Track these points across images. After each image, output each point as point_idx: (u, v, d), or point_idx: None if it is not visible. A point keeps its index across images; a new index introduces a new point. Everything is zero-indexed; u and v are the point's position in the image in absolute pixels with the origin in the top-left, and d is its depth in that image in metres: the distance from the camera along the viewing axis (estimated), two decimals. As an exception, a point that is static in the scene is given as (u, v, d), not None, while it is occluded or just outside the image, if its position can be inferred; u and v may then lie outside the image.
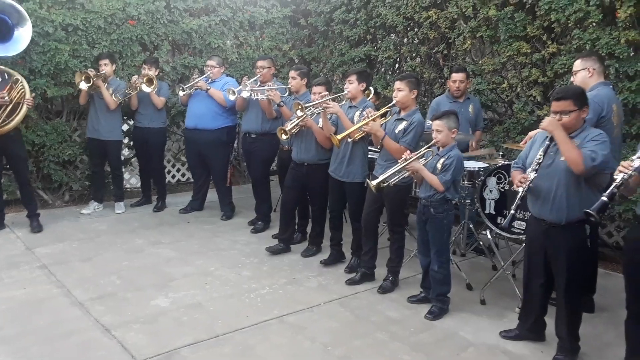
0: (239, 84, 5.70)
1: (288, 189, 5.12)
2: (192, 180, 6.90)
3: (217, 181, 6.35)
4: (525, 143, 3.82)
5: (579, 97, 3.18)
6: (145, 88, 5.90)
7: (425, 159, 3.87)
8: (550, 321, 3.49)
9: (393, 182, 3.97)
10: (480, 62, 5.83)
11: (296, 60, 8.14)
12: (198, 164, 6.34)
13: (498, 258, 4.62)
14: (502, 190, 4.38)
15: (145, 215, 6.26)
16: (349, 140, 4.44)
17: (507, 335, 3.64)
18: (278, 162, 5.93)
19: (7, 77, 5.19)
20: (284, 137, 4.75)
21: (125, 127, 6.72)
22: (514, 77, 5.48)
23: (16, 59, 5.62)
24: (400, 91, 4.11)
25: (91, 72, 5.71)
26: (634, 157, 2.81)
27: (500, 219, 4.36)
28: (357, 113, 4.51)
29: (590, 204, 3.14)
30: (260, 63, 5.66)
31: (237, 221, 6.17)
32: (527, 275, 3.52)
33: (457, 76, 5.23)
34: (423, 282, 4.16)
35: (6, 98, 5.01)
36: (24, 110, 5.13)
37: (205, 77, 5.98)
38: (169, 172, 7.66)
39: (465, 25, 5.82)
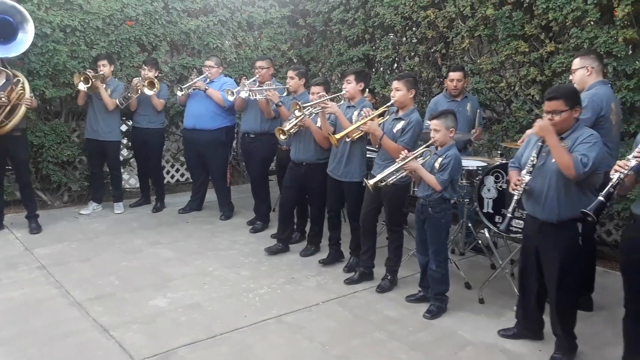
0: (238, 84, 5.71)
1: (286, 189, 5.12)
2: (191, 180, 6.90)
3: (216, 181, 6.36)
4: (523, 142, 3.82)
5: (571, 97, 3.18)
6: (147, 91, 5.90)
7: (423, 159, 3.87)
8: (547, 319, 3.49)
9: (391, 182, 3.98)
10: (478, 61, 5.83)
11: (295, 60, 8.14)
12: (197, 164, 6.34)
13: (496, 257, 4.62)
14: (500, 189, 4.38)
15: (144, 216, 6.27)
16: (347, 140, 4.44)
17: (505, 333, 3.64)
18: (277, 162, 5.93)
19: (12, 78, 5.19)
20: (282, 137, 4.75)
21: (123, 128, 6.72)
22: (512, 76, 5.48)
23: (14, 60, 5.63)
24: (398, 91, 4.11)
25: (90, 73, 5.71)
26: (629, 157, 2.81)
27: (498, 218, 4.36)
28: (356, 113, 4.51)
29: (581, 203, 3.15)
30: (259, 63, 5.66)
31: (236, 221, 6.18)
32: (523, 273, 3.52)
33: (454, 75, 5.23)
34: (421, 281, 4.16)
35: (4, 99, 5.01)
36: (22, 111, 5.12)
37: (204, 77, 5.99)
38: (167, 172, 7.66)
39: (463, 25, 5.82)
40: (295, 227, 5.43)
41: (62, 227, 5.70)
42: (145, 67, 6.04)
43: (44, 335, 3.50)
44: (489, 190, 4.45)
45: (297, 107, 4.56)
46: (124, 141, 6.84)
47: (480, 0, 5.57)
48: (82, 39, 6.11)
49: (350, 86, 4.56)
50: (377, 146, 4.31)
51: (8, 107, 5.07)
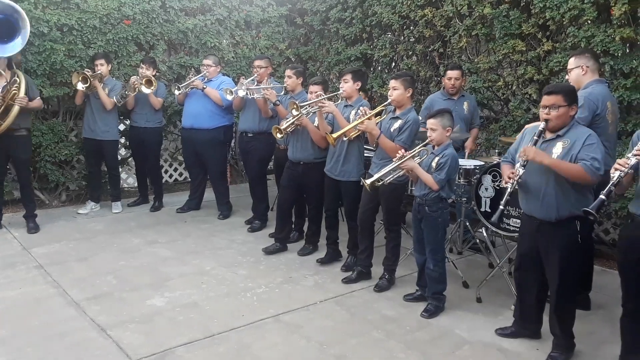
0: (236, 83, 5.70)
1: (284, 188, 5.12)
2: (189, 179, 6.90)
3: (214, 180, 6.36)
4: None
5: (570, 93, 3.19)
6: (145, 89, 5.90)
7: (420, 158, 3.87)
8: (545, 318, 3.49)
9: (388, 181, 3.98)
10: (475, 60, 5.84)
11: (293, 59, 8.14)
12: (195, 163, 6.34)
13: (494, 256, 4.62)
14: (498, 188, 4.38)
15: (142, 215, 6.27)
16: (345, 139, 4.44)
17: (502, 332, 3.64)
18: (274, 161, 5.93)
19: (11, 79, 5.17)
20: (278, 135, 4.76)
21: (121, 127, 6.71)
22: (510, 75, 5.49)
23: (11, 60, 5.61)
24: (396, 90, 4.11)
25: (88, 72, 5.71)
26: (629, 155, 2.82)
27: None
28: (353, 112, 4.51)
29: (579, 201, 3.15)
30: (257, 62, 5.66)
31: (234, 220, 6.18)
32: (520, 272, 3.52)
33: (452, 73, 5.23)
34: (419, 280, 4.16)
35: None
36: (15, 110, 5.08)
37: (202, 76, 5.99)
38: (166, 171, 7.66)
39: (460, 24, 5.83)
40: (293, 226, 5.43)
41: (60, 227, 5.70)
42: (143, 66, 6.04)
43: (41, 334, 3.50)
44: (486, 189, 4.45)
45: (295, 106, 4.56)
46: (122, 140, 6.83)
47: (478, -1, 5.59)
48: (79, 38, 6.10)
49: (348, 85, 4.56)
50: (374, 145, 4.31)
51: (1, 108, 5.05)
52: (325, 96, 4.61)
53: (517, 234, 4.02)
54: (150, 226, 5.85)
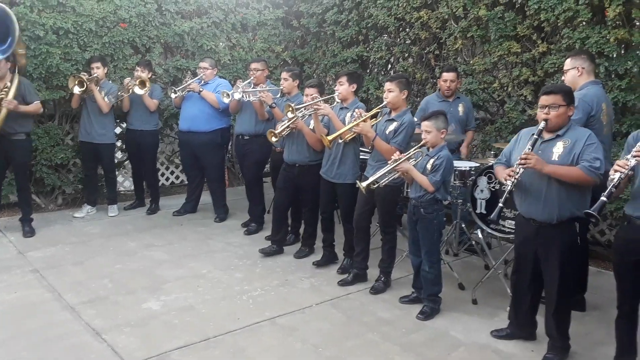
0: (233, 86, 5.70)
1: (280, 191, 5.12)
2: (186, 182, 6.89)
3: (212, 183, 6.36)
4: None
5: (568, 94, 3.20)
6: (138, 90, 5.90)
7: (415, 160, 3.87)
8: (540, 320, 3.49)
9: (384, 183, 3.98)
10: (471, 62, 5.84)
11: (289, 62, 8.14)
12: (193, 166, 6.34)
13: (489, 257, 4.62)
14: (493, 189, 4.39)
15: (139, 218, 6.26)
16: (340, 141, 4.44)
17: (498, 334, 3.64)
18: (271, 163, 5.93)
19: (7, 83, 5.14)
20: (273, 139, 4.76)
21: (118, 130, 6.71)
22: (505, 76, 5.49)
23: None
24: (391, 92, 4.11)
25: (84, 76, 5.70)
26: (628, 156, 2.81)
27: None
28: (349, 114, 4.51)
29: (580, 202, 3.15)
30: (253, 65, 5.66)
31: (231, 223, 6.17)
32: (516, 274, 3.52)
33: (447, 75, 5.23)
34: (415, 282, 4.16)
35: None
36: (2, 114, 5.05)
37: (198, 79, 5.99)
38: (162, 174, 7.66)
39: (456, 26, 5.84)
40: (289, 228, 5.43)
41: (56, 230, 5.69)
42: (138, 68, 6.04)
43: (36, 338, 3.49)
44: (482, 191, 4.46)
45: (290, 109, 4.57)
46: (118, 143, 6.82)
47: (473, 1, 5.60)
48: (75, 41, 6.09)
49: (343, 88, 4.56)
50: (369, 147, 4.31)
51: None
52: (321, 99, 4.61)
53: (512, 236, 4.03)
54: (146, 229, 5.85)
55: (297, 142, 4.85)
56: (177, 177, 7.84)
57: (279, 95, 5.47)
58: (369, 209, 4.40)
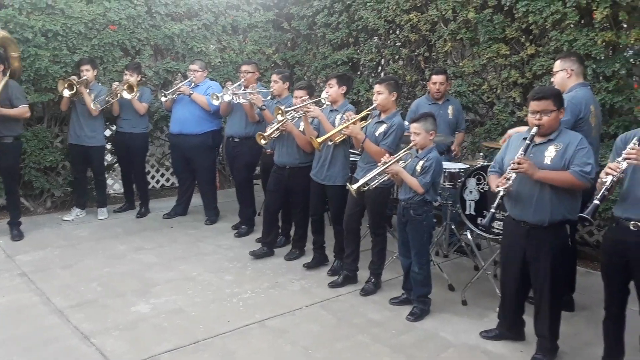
0: (223, 88, 5.69)
1: (270, 193, 5.12)
2: (176, 185, 6.87)
3: (203, 186, 6.35)
4: (505, 142, 3.81)
5: (558, 97, 3.22)
6: (126, 95, 5.87)
7: (405, 162, 3.88)
8: (528, 319, 3.51)
9: (374, 185, 3.98)
10: (460, 64, 5.87)
11: (280, 64, 8.14)
12: (184, 169, 6.33)
13: (479, 258, 4.64)
14: (482, 191, 4.41)
15: (128, 221, 6.23)
16: (330, 143, 4.45)
17: (487, 335, 3.66)
18: (261, 166, 5.92)
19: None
20: (263, 142, 4.76)
21: (107, 133, 6.68)
22: (494, 78, 5.53)
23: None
24: (380, 94, 4.12)
25: (74, 79, 5.67)
26: (619, 159, 2.83)
27: (480, 220, 4.37)
28: (338, 117, 4.51)
29: (571, 205, 3.17)
30: (244, 67, 5.66)
31: (221, 225, 6.16)
32: (504, 275, 3.53)
33: (437, 78, 5.25)
34: (405, 283, 4.17)
35: None
36: None
37: (188, 81, 5.98)
38: (152, 177, 7.63)
39: (445, 28, 5.87)
40: (279, 230, 5.43)
41: (45, 234, 5.65)
42: (127, 72, 6.01)
43: (24, 342, 3.46)
44: (471, 192, 4.48)
45: (280, 111, 4.57)
46: (108, 146, 6.79)
47: (462, 4, 5.63)
48: (64, 43, 6.06)
49: (333, 90, 4.57)
50: (359, 150, 4.32)
51: None
52: (311, 101, 4.61)
53: (501, 237, 4.04)
54: (136, 232, 5.82)
55: (287, 145, 4.85)
56: (167, 180, 7.81)
57: (269, 97, 5.47)
58: (359, 211, 4.41)
